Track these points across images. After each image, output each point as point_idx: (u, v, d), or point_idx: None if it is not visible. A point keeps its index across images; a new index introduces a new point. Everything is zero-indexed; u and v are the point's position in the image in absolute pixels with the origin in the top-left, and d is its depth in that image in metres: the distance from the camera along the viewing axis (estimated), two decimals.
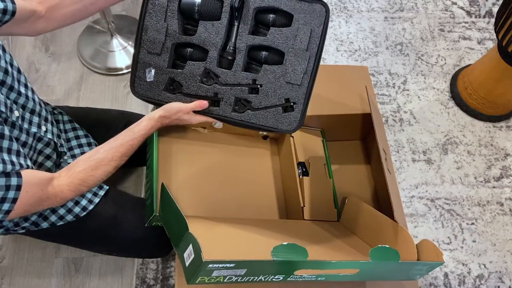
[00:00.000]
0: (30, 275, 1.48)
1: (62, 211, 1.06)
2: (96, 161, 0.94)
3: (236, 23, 1.02)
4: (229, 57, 1.03)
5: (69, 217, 1.07)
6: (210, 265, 0.78)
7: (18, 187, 0.80)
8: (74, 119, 1.19)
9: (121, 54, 1.91)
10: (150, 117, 1.00)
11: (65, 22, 1.04)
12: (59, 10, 1.01)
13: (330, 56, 1.97)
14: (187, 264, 0.83)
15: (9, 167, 0.79)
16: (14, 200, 0.79)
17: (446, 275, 1.55)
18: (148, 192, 1.19)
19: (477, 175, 1.74)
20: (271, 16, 1.01)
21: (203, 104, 1.01)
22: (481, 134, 1.83)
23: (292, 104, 1.02)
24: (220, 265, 0.78)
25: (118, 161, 0.98)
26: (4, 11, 0.89)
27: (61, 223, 1.07)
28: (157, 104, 1.04)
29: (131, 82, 1.04)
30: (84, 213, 1.09)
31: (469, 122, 1.85)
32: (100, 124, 1.23)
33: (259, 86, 1.02)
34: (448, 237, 1.62)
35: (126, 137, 0.98)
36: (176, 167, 1.22)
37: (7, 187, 0.78)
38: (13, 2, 0.90)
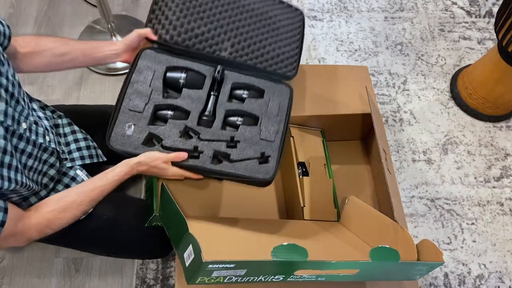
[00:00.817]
0: (30, 275, 1.48)
1: None
2: (65, 203, 0.96)
3: (216, 93, 1.15)
4: (209, 119, 1.11)
5: None
6: (210, 266, 0.78)
7: (6, 210, 0.82)
8: (72, 118, 1.19)
9: None
10: (126, 162, 1.01)
11: (37, 69, 1.06)
12: (37, 58, 1.04)
13: (330, 56, 1.97)
14: (187, 264, 0.83)
15: (6, 184, 0.80)
16: (2, 223, 0.82)
17: (446, 275, 1.55)
18: (148, 192, 1.19)
19: (477, 175, 1.74)
20: (245, 92, 1.19)
21: (182, 155, 1.03)
22: (481, 134, 1.83)
23: (267, 156, 1.11)
24: (220, 266, 0.78)
25: (87, 206, 1.00)
26: (4, 34, 0.90)
27: None
28: (133, 156, 1.05)
29: (108, 136, 1.05)
30: (83, 216, 1.08)
31: (469, 122, 1.85)
32: (100, 121, 1.23)
33: (237, 142, 1.10)
34: (448, 237, 1.62)
35: (99, 182, 0.99)
36: None
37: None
38: (8, 28, 0.91)
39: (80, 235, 1.12)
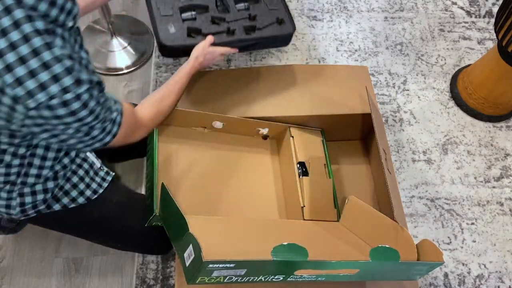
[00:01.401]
0: (30, 275, 1.48)
1: (74, 193, 1.07)
2: (160, 95, 1.09)
3: None
4: (225, 7, 1.33)
5: (81, 200, 1.08)
6: (210, 265, 0.78)
7: (121, 112, 0.90)
8: None
9: (121, 54, 1.91)
10: (186, 63, 1.18)
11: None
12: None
13: (330, 56, 1.97)
14: (187, 264, 0.83)
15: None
16: (121, 112, 0.90)
17: (446, 275, 1.55)
18: (148, 192, 1.19)
19: (477, 175, 1.74)
20: None
21: (211, 38, 1.21)
22: (481, 134, 1.83)
23: (281, 19, 1.36)
24: (220, 265, 0.78)
25: (176, 96, 1.12)
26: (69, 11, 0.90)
27: (72, 205, 1.07)
28: (184, 53, 1.24)
29: (158, 40, 1.24)
30: (95, 196, 1.10)
31: (469, 122, 1.85)
32: None
33: (255, 15, 1.35)
34: (448, 237, 1.62)
35: (176, 77, 1.14)
36: (176, 167, 1.22)
37: (112, 98, 0.88)
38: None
39: (90, 219, 1.14)
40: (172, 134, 1.28)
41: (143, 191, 1.60)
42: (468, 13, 2.14)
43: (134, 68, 1.89)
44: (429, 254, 0.96)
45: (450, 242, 1.61)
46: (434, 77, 1.96)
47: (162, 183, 1.09)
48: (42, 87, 0.72)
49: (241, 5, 1.38)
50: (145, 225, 1.11)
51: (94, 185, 1.11)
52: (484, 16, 2.13)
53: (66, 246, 1.52)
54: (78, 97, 0.75)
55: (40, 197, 1.02)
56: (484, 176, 1.74)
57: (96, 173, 1.12)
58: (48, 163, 0.97)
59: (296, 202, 1.26)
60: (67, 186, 1.06)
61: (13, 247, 1.52)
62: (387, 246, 0.94)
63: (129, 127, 0.94)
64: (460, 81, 1.89)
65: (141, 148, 1.28)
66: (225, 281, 0.85)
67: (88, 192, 1.09)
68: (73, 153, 1.04)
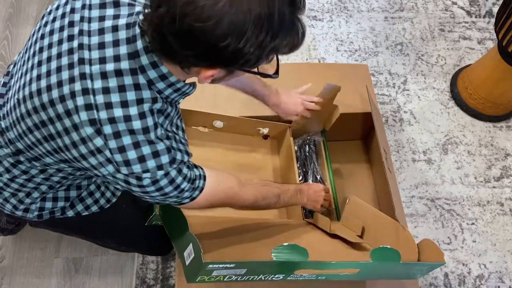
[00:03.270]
0: (30, 275, 1.48)
1: (89, 201, 1.07)
2: (265, 193, 1.03)
3: None
4: None
5: (94, 208, 1.08)
6: (210, 266, 0.78)
7: (204, 177, 0.89)
8: None
9: None
10: (301, 194, 1.14)
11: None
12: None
13: (330, 56, 1.97)
14: (187, 263, 0.83)
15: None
16: (201, 189, 0.88)
17: (446, 275, 1.55)
18: None
19: (477, 175, 1.74)
20: None
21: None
22: (481, 134, 1.83)
23: None
24: (220, 266, 0.78)
25: (267, 206, 1.05)
26: None
27: (86, 213, 1.07)
28: None
29: None
30: (108, 205, 1.10)
31: (469, 122, 1.85)
32: None
33: None
34: (448, 237, 1.61)
35: (284, 197, 1.08)
36: None
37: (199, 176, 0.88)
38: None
39: (99, 224, 1.14)
40: None
41: None
42: (468, 13, 2.14)
43: None
44: (430, 254, 0.96)
45: (450, 242, 1.61)
46: (434, 77, 1.95)
47: None
48: (141, 160, 0.76)
49: None
50: (145, 224, 1.11)
51: (108, 194, 1.10)
52: (484, 16, 2.13)
53: (66, 246, 1.52)
54: (167, 174, 0.79)
55: (60, 204, 1.03)
56: (484, 176, 1.74)
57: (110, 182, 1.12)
58: (72, 177, 0.97)
59: None
60: (84, 194, 1.06)
61: (13, 247, 1.52)
62: (388, 246, 0.93)
63: (226, 194, 0.94)
64: (460, 81, 1.89)
65: None
66: (225, 280, 0.84)
67: (102, 201, 1.09)
68: None
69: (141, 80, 0.74)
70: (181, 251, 0.86)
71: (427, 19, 2.11)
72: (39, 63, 0.78)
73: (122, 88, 0.74)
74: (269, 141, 1.42)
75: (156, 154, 0.77)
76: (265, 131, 1.36)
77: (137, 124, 0.74)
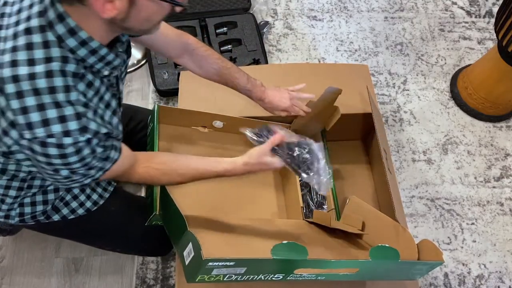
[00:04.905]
0: (30, 275, 1.48)
1: (74, 205, 1.06)
2: (169, 168, 0.97)
3: (206, 36, 1.88)
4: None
5: (81, 211, 1.07)
6: (210, 263, 0.78)
7: (120, 151, 0.86)
8: None
9: None
10: (233, 160, 1.00)
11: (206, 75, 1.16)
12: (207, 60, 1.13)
13: (330, 56, 1.97)
14: (187, 263, 0.83)
15: (115, 132, 0.84)
16: (114, 161, 0.85)
17: (446, 275, 1.55)
18: (148, 191, 1.19)
19: (477, 175, 1.74)
20: (225, 28, 1.91)
21: (279, 137, 1.00)
22: (481, 134, 1.83)
23: (257, 59, 1.82)
24: (220, 263, 0.78)
25: (184, 180, 0.99)
26: None
27: (72, 216, 1.07)
28: (176, 93, 1.40)
29: (154, 86, 1.78)
30: (95, 208, 1.09)
31: (469, 122, 1.85)
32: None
33: (235, 58, 1.81)
34: (448, 237, 1.61)
35: (203, 165, 0.99)
36: None
37: (113, 147, 0.84)
38: None
39: (90, 227, 1.13)
40: (172, 134, 1.28)
41: (143, 191, 1.60)
42: (468, 13, 2.14)
43: (134, 68, 1.89)
44: (429, 254, 0.96)
45: (450, 242, 1.61)
46: (434, 77, 1.95)
47: None
48: (45, 123, 0.71)
49: (226, 47, 1.81)
50: (145, 224, 1.11)
51: (95, 196, 1.09)
52: (484, 16, 2.13)
53: (66, 246, 1.52)
54: (75, 143, 0.74)
55: (39, 208, 1.02)
56: (484, 176, 1.74)
57: (97, 184, 1.10)
58: (32, 176, 0.94)
59: (296, 202, 1.26)
60: (68, 197, 1.05)
61: (13, 247, 1.52)
62: (386, 245, 0.93)
63: (118, 173, 0.90)
64: (460, 81, 1.89)
65: (141, 148, 1.28)
66: (224, 279, 0.85)
67: (88, 204, 1.08)
68: None
69: (50, 37, 0.71)
70: (181, 251, 0.86)
71: (427, 19, 2.11)
72: None
73: (29, 46, 0.70)
74: None
75: (62, 119, 0.72)
76: None
77: (42, 83, 0.70)
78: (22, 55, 0.70)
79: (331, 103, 1.25)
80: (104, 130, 0.78)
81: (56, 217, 1.05)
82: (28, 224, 1.06)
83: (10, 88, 0.70)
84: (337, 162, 1.44)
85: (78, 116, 0.73)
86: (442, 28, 2.09)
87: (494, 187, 1.72)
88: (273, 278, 0.89)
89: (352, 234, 1.15)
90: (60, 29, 0.71)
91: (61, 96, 0.71)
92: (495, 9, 2.14)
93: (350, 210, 1.14)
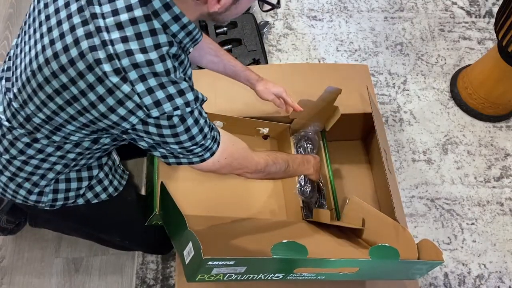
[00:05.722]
0: (30, 275, 1.48)
1: (98, 189, 1.08)
2: (275, 158, 1.08)
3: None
4: None
5: (104, 196, 1.09)
6: (210, 262, 0.78)
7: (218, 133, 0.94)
8: None
9: None
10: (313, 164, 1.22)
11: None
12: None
13: (330, 56, 1.97)
14: (187, 262, 0.83)
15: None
16: (218, 143, 0.93)
17: (446, 275, 1.55)
18: (148, 191, 1.19)
19: (477, 175, 1.74)
20: (225, 28, 1.89)
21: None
22: (481, 134, 1.83)
23: (257, 59, 1.82)
24: (220, 262, 0.78)
25: (281, 174, 1.12)
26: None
27: (95, 201, 1.08)
28: None
29: None
30: (116, 193, 1.11)
31: (469, 122, 1.85)
32: None
33: (236, 57, 1.59)
34: (448, 237, 1.61)
35: (295, 165, 1.14)
36: (176, 166, 1.22)
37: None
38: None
39: (106, 215, 1.15)
40: None
41: (143, 191, 1.60)
42: (468, 13, 2.14)
43: None
44: (429, 254, 0.96)
45: (450, 242, 1.61)
46: (434, 77, 1.96)
47: (162, 182, 1.09)
48: (169, 98, 0.78)
49: (226, 47, 1.79)
50: (145, 223, 1.11)
51: (115, 182, 1.12)
52: (484, 16, 2.13)
53: (66, 246, 1.52)
54: (192, 112, 0.83)
55: (73, 185, 1.04)
56: (484, 176, 1.74)
57: (116, 170, 1.13)
58: (88, 153, 0.98)
59: (295, 202, 1.26)
60: (93, 182, 1.07)
61: (13, 247, 1.52)
62: (386, 244, 0.93)
63: (229, 145, 0.96)
64: (460, 81, 1.89)
65: (141, 149, 1.28)
66: (224, 279, 0.84)
67: (110, 189, 1.10)
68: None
69: (156, 25, 0.77)
70: (181, 250, 0.86)
71: (427, 19, 2.11)
72: (49, 29, 0.79)
73: (139, 36, 0.76)
74: (269, 141, 1.43)
75: (181, 92, 0.79)
76: (265, 131, 1.37)
77: (159, 67, 0.77)
78: (134, 45, 0.75)
79: (331, 103, 1.25)
80: (201, 97, 0.86)
81: (80, 201, 1.07)
82: (54, 209, 1.06)
83: (132, 74, 0.75)
84: (337, 162, 1.44)
85: (192, 88, 0.82)
86: (442, 28, 2.09)
87: (494, 187, 1.72)
88: (273, 278, 0.89)
89: (352, 234, 1.15)
90: (166, 17, 0.77)
91: (173, 75, 0.79)
92: (495, 9, 2.14)
93: (350, 210, 1.14)
